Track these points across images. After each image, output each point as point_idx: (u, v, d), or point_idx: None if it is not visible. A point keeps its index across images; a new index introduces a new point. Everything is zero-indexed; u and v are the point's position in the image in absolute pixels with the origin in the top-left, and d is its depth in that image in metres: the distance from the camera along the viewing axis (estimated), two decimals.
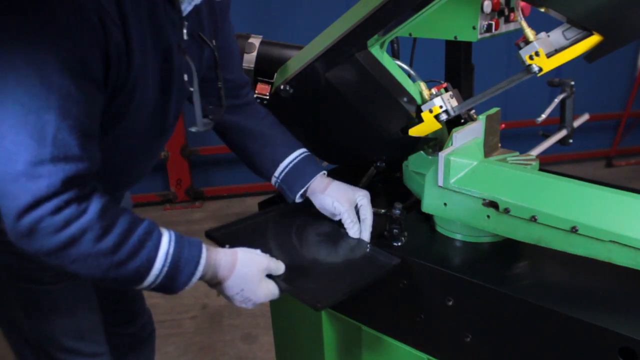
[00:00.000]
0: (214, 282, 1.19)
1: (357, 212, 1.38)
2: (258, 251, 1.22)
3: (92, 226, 1.02)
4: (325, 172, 1.44)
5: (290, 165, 1.44)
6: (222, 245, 1.27)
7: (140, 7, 1.08)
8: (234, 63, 1.48)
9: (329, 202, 1.38)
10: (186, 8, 1.19)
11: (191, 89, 1.24)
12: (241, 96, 1.48)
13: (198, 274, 1.14)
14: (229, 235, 1.36)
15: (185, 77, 1.23)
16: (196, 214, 4.22)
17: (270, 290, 1.20)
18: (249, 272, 1.18)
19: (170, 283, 1.12)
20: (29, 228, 0.99)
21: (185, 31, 1.20)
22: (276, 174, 1.45)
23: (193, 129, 1.30)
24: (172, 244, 1.11)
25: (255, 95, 1.55)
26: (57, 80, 0.97)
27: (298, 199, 1.44)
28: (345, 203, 1.37)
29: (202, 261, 1.14)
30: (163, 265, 1.09)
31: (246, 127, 1.47)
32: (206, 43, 1.31)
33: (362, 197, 1.38)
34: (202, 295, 3.14)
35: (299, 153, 1.45)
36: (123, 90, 1.11)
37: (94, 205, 1.03)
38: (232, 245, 1.23)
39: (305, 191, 1.43)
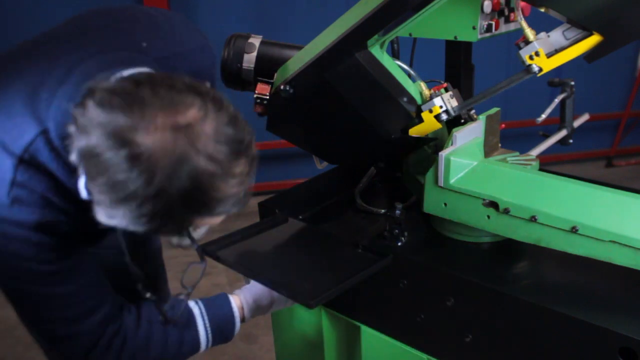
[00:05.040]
0: (264, 311, 1.37)
1: None
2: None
3: (137, 347, 1.19)
4: None
5: None
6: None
7: None
8: None
9: None
10: None
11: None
12: None
13: (237, 324, 1.32)
14: (221, 249, 1.40)
15: None
16: None
17: None
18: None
19: (222, 340, 1.32)
20: None
21: None
22: None
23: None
24: (206, 318, 1.28)
25: (255, 95, 1.55)
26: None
27: None
28: None
29: (237, 314, 1.32)
30: (207, 339, 1.28)
31: None
32: None
33: None
34: (202, 295, 3.13)
35: None
36: None
37: (129, 330, 1.19)
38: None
39: None
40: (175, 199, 0.88)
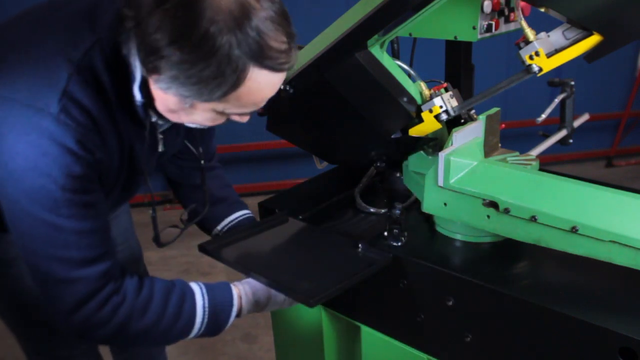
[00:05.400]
0: (260, 308, 1.35)
1: None
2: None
3: (134, 310, 1.18)
4: None
5: (235, 221, 1.59)
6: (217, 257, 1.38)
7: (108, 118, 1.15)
8: (209, 135, 1.61)
9: None
10: (162, 125, 1.28)
11: (152, 215, 1.36)
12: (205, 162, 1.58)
13: (234, 313, 1.29)
14: (221, 248, 1.40)
15: (160, 148, 1.31)
16: None
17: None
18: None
19: (214, 329, 1.29)
20: (81, 326, 1.15)
21: (160, 138, 1.29)
22: (219, 227, 1.59)
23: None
24: (206, 297, 1.27)
25: None
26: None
27: None
28: None
29: (235, 302, 1.29)
30: (202, 321, 1.26)
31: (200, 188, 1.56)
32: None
33: None
34: None
35: (243, 213, 1.62)
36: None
37: (130, 291, 1.18)
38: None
39: None
40: (235, 38, 0.97)
